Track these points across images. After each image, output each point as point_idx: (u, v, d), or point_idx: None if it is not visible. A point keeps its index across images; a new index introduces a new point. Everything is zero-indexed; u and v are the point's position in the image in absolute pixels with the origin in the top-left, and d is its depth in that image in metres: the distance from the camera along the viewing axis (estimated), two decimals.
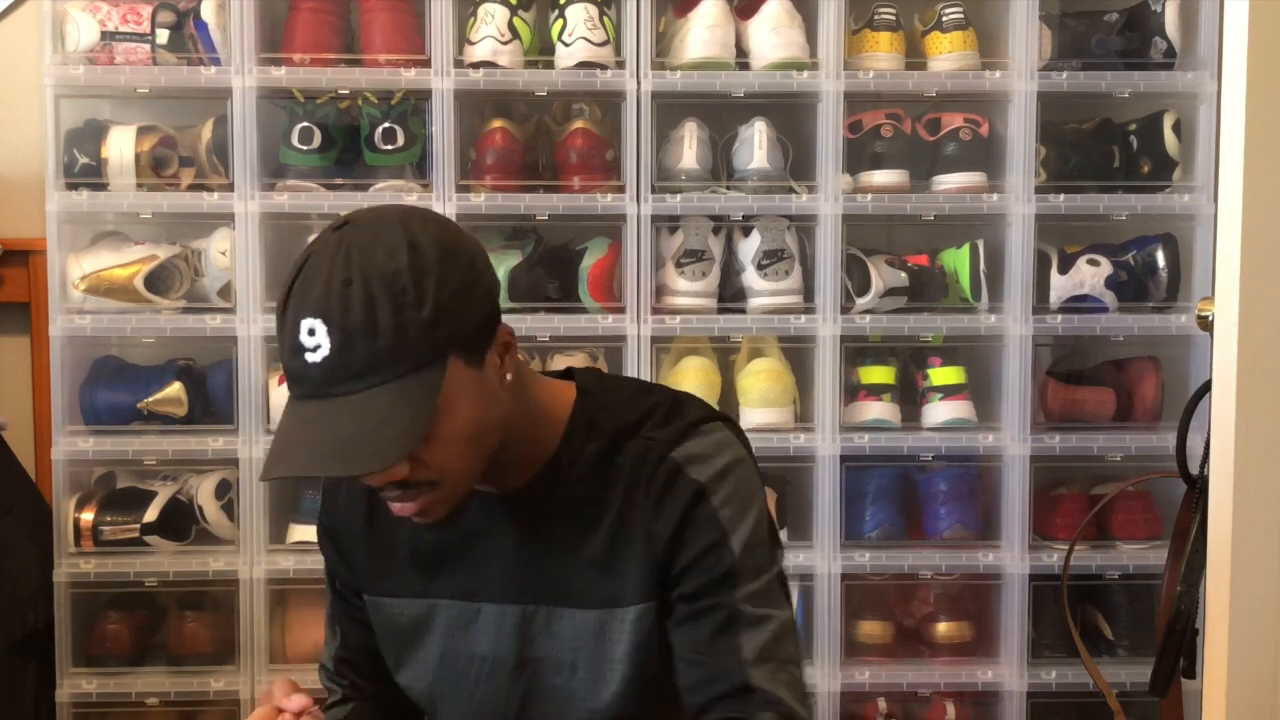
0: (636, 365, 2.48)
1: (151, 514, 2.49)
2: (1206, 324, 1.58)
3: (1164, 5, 2.53)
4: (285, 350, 1.23)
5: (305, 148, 2.47)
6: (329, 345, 1.19)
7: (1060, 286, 2.54)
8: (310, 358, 1.20)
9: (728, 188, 2.53)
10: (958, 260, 2.56)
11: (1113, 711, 2.38)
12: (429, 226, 1.24)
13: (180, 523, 2.52)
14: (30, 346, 2.71)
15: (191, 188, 2.51)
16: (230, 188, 2.47)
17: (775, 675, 1.31)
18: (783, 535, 2.54)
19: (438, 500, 1.27)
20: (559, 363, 2.54)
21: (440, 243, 1.23)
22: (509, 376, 1.29)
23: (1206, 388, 1.62)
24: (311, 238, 1.30)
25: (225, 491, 2.53)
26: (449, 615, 1.40)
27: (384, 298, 1.19)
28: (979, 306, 2.54)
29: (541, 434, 1.35)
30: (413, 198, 2.46)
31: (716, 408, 1.51)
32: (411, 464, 1.23)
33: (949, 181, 2.54)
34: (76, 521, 2.48)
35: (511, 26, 2.46)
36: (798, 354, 2.56)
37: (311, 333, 1.20)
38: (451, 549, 1.39)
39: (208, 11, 2.47)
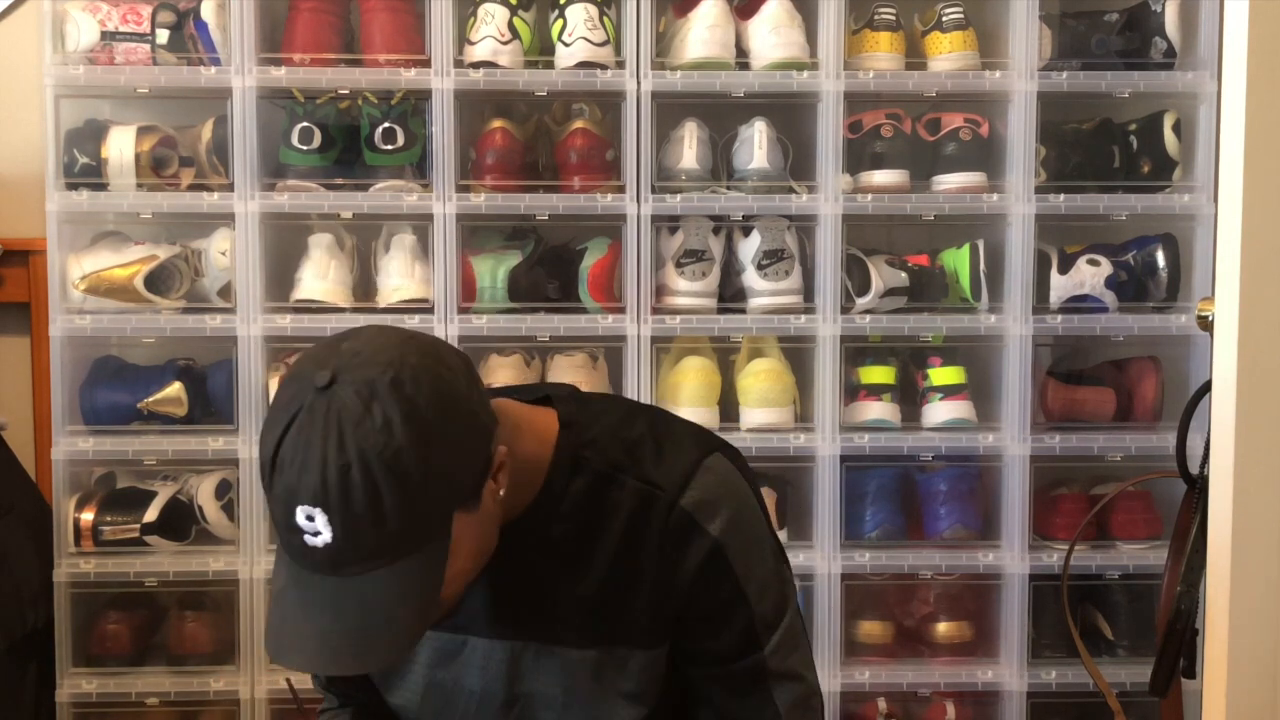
0: (636, 365, 2.48)
1: (151, 514, 2.49)
2: (1206, 324, 1.58)
3: (1164, 5, 2.53)
4: (280, 526, 1.17)
5: (305, 148, 2.47)
6: (330, 534, 1.14)
7: (1060, 286, 2.54)
8: (310, 540, 1.15)
9: (728, 188, 2.53)
10: (958, 260, 2.56)
11: (1113, 711, 2.38)
12: (423, 379, 1.16)
13: (180, 523, 2.52)
14: (30, 346, 2.71)
15: (191, 188, 2.51)
16: (230, 188, 2.47)
17: None
18: (783, 535, 2.55)
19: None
20: (558, 363, 2.54)
21: (437, 399, 1.16)
22: (501, 493, 1.25)
23: (1206, 388, 1.62)
24: (288, 373, 1.20)
25: (225, 491, 2.53)
26: (433, 646, 1.39)
27: (388, 483, 1.13)
28: (979, 306, 2.54)
29: (526, 476, 1.31)
30: (413, 198, 2.46)
31: (699, 424, 1.48)
32: None
33: (949, 181, 2.54)
34: (76, 521, 2.48)
35: (511, 26, 2.46)
36: (798, 354, 2.56)
37: (310, 519, 1.14)
38: None
39: (208, 11, 2.47)
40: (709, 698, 1.38)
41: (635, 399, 2.44)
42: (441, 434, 1.15)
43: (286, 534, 1.16)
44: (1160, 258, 2.56)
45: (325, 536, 1.14)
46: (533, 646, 1.36)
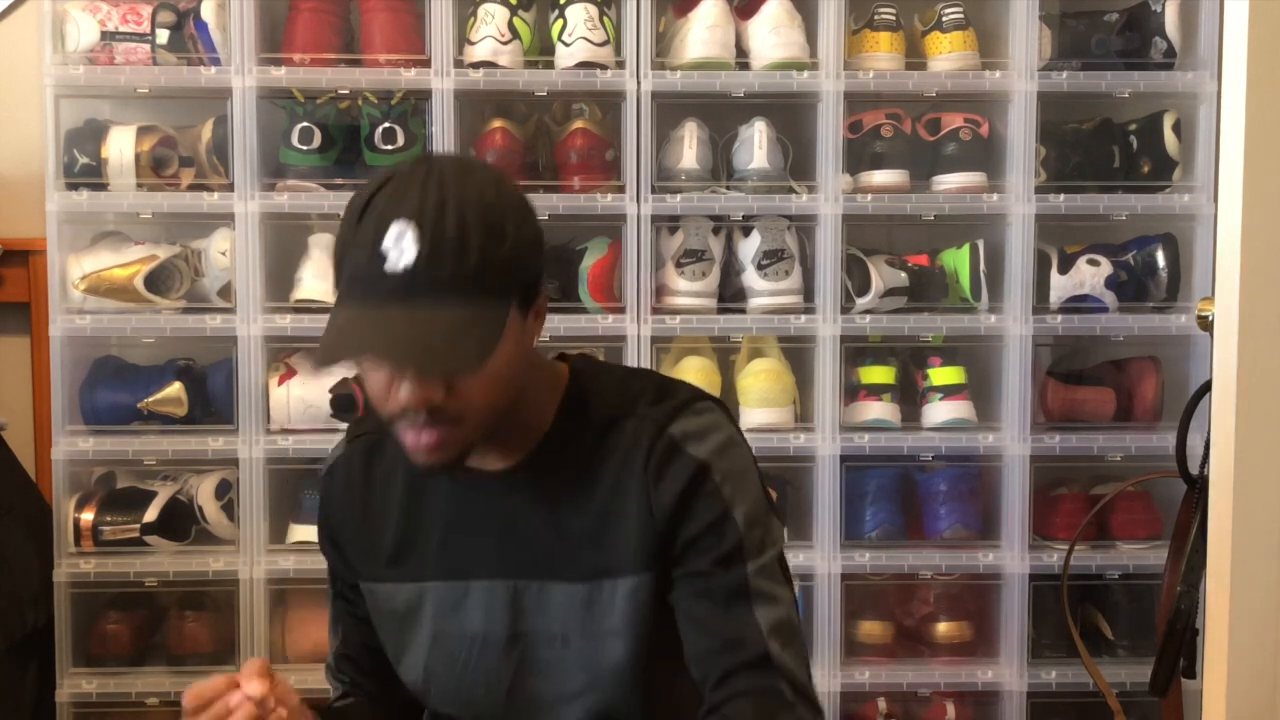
0: (636, 365, 2.47)
1: (151, 514, 2.49)
2: (1206, 324, 1.58)
3: (1164, 5, 2.53)
4: (361, 256, 1.22)
5: (305, 148, 2.47)
6: (415, 253, 1.20)
7: (1060, 286, 2.54)
8: (390, 266, 1.20)
9: (728, 188, 2.53)
10: (958, 260, 2.56)
11: (1113, 711, 2.38)
12: (507, 177, 1.33)
13: (180, 523, 2.52)
14: (30, 346, 2.71)
15: (191, 188, 2.51)
16: (230, 188, 2.47)
17: (792, 653, 1.34)
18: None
19: (453, 440, 1.29)
20: None
21: (520, 194, 1.31)
22: (534, 342, 1.35)
23: (1206, 388, 1.62)
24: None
25: (225, 491, 2.53)
26: (438, 597, 1.41)
27: (476, 224, 1.22)
28: (979, 306, 2.54)
29: (536, 412, 1.37)
30: None
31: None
32: (446, 392, 1.25)
33: (949, 181, 2.54)
34: (76, 521, 2.48)
35: (511, 26, 2.46)
36: (798, 354, 2.56)
37: (400, 236, 1.20)
38: (439, 532, 1.41)
39: (208, 11, 2.47)
40: (693, 615, 1.36)
41: None
42: (522, 215, 1.28)
43: (366, 265, 1.21)
44: (1160, 258, 2.56)
45: (409, 256, 1.20)
46: (534, 585, 1.38)
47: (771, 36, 2.46)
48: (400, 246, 1.20)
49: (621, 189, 2.49)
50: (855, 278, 2.53)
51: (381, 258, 1.20)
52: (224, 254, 2.51)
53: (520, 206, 1.29)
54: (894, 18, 2.52)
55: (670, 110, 2.53)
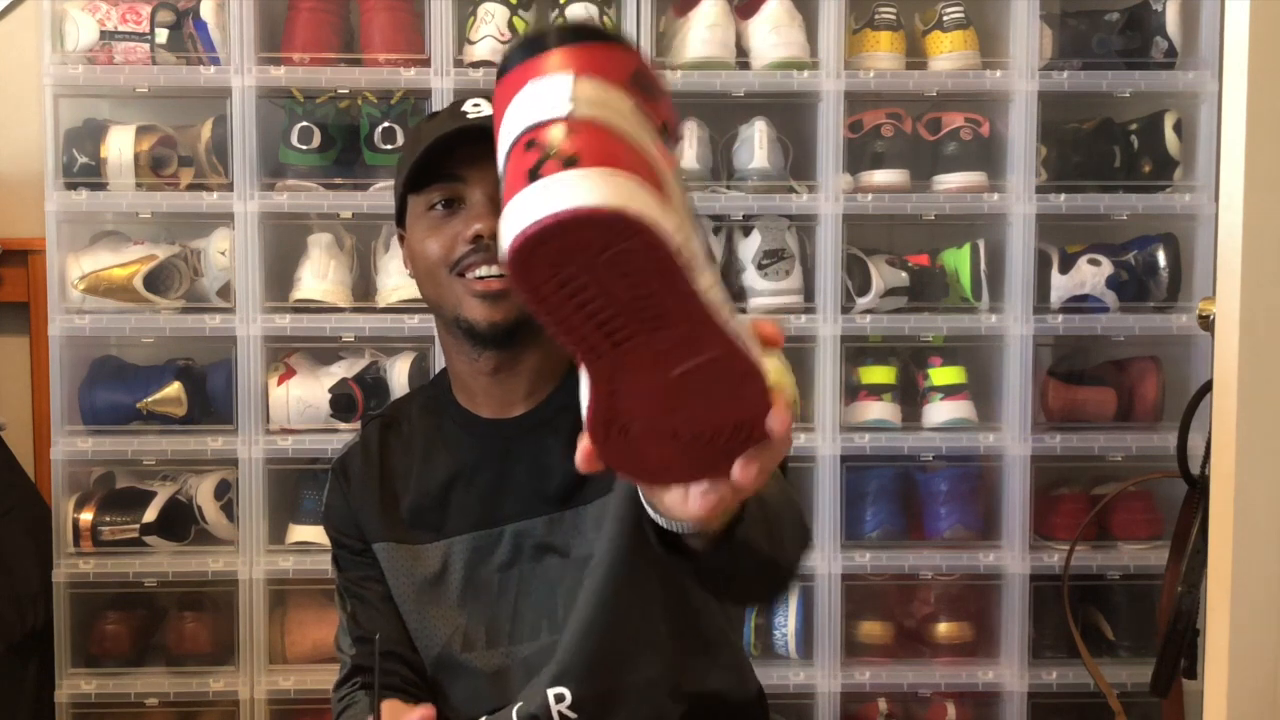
0: None
1: (151, 514, 2.48)
2: (1207, 324, 1.58)
3: (1165, 4, 2.52)
4: (440, 117, 1.42)
5: (305, 147, 2.47)
6: (492, 111, 1.38)
7: (1061, 286, 2.54)
8: (471, 116, 1.38)
9: (728, 188, 2.52)
10: (958, 260, 2.55)
11: (1114, 712, 2.38)
12: None
13: (179, 523, 2.52)
14: (30, 346, 2.71)
15: (191, 187, 2.51)
16: (230, 187, 2.47)
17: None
18: None
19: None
20: None
21: None
22: None
23: (1207, 388, 1.62)
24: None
25: (224, 492, 2.53)
26: (468, 547, 1.46)
27: None
28: (980, 306, 2.54)
29: (552, 360, 1.45)
30: None
31: None
32: None
33: (949, 181, 2.54)
34: (76, 522, 2.48)
35: (511, 26, 2.46)
36: (798, 354, 2.56)
37: (477, 103, 1.39)
38: (463, 486, 1.46)
39: (207, 11, 2.46)
40: None
41: None
42: None
43: (448, 116, 1.40)
44: (1161, 257, 2.55)
45: (487, 110, 1.37)
46: (569, 513, 1.44)
47: (772, 36, 2.46)
48: (478, 108, 1.38)
49: None
50: (855, 277, 2.52)
51: (461, 117, 1.37)
52: (223, 254, 2.50)
53: None
54: (894, 17, 2.52)
55: None
